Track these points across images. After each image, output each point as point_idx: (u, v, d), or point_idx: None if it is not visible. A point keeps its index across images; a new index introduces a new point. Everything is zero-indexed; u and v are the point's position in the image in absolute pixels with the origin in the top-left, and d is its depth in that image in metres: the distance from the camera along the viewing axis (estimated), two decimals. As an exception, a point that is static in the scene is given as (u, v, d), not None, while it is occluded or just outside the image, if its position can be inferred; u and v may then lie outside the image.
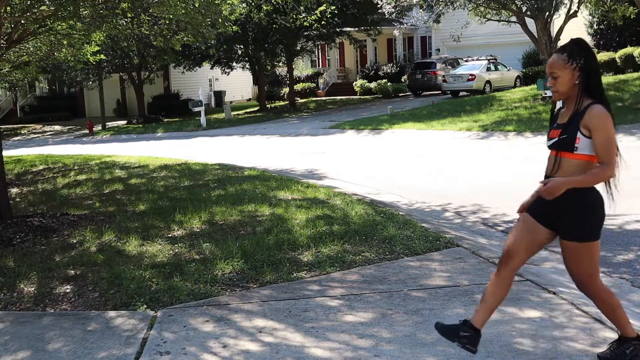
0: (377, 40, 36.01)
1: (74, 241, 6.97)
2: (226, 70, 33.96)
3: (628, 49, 27.31)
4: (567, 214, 3.36)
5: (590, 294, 3.49)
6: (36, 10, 8.51)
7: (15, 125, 36.63)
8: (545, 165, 3.49)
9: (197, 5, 9.24)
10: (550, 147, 3.45)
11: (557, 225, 3.44)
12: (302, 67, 41.34)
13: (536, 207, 3.49)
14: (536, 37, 21.22)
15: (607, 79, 24.98)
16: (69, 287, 5.43)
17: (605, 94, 3.41)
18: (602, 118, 3.27)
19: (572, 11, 21.47)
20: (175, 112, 34.75)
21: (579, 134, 3.30)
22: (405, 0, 23.01)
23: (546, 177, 3.46)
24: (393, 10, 23.19)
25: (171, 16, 9.35)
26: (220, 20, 10.51)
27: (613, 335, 3.90)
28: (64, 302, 5.11)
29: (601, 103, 3.32)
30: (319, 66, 42.29)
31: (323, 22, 16.42)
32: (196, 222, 7.48)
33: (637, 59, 26.39)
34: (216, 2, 9.71)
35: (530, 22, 21.37)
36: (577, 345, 3.80)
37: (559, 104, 3.58)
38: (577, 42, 3.40)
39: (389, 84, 33.65)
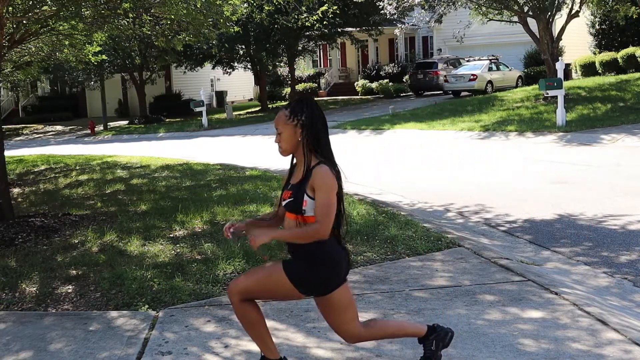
0: (378, 40, 36.01)
1: (76, 241, 6.98)
2: (228, 70, 33.99)
3: (630, 49, 27.27)
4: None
5: (357, 340, 3.46)
6: (38, 10, 8.51)
7: (17, 126, 36.67)
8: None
9: (198, 6, 9.25)
10: (284, 207, 3.34)
11: None
12: (304, 67, 41.34)
13: None
14: (538, 37, 21.21)
15: (608, 79, 24.96)
16: (70, 287, 5.43)
17: (332, 154, 3.30)
18: (325, 179, 3.18)
19: (573, 11, 21.44)
20: (176, 112, 34.77)
21: (305, 197, 3.21)
22: (407, 1, 22.95)
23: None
24: (395, 11, 23.13)
25: (173, 16, 9.35)
26: (221, 20, 10.51)
27: (616, 336, 3.90)
28: (65, 302, 5.11)
29: (328, 163, 3.23)
30: (320, 66, 42.29)
31: (325, 22, 16.43)
32: (198, 222, 7.48)
33: (639, 59, 26.35)
34: (218, 2, 9.71)
35: (532, 22, 21.35)
36: (580, 346, 3.79)
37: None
38: (301, 100, 3.31)
39: (390, 84, 33.63)
